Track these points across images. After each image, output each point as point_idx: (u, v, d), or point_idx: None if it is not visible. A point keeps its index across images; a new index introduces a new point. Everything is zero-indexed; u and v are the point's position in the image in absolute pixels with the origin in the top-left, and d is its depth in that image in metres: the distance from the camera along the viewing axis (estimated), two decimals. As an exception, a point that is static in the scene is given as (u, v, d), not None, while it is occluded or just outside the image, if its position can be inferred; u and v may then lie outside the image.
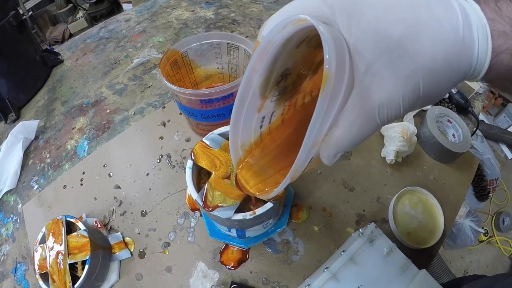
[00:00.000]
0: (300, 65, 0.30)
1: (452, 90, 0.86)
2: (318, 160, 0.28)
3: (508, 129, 1.85)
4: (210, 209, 0.42)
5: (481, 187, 1.43)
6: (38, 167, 0.79)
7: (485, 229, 1.50)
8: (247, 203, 0.47)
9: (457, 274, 1.37)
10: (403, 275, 0.49)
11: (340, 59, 0.22)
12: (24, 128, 0.85)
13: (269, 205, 0.43)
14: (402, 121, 0.77)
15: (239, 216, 0.42)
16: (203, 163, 0.46)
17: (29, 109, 0.96)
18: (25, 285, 0.63)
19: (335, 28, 0.23)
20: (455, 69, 0.22)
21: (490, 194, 1.50)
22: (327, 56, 0.20)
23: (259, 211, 0.42)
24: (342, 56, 0.22)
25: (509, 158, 1.83)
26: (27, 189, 0.76)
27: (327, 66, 0.21)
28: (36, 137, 0.86)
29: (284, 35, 0.25)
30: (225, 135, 0.50)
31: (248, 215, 0.42)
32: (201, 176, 0.50)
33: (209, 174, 0.46)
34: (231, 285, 0.55)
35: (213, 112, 0.61)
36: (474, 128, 0.85)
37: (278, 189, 0.30)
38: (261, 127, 0.35)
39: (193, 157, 0.47)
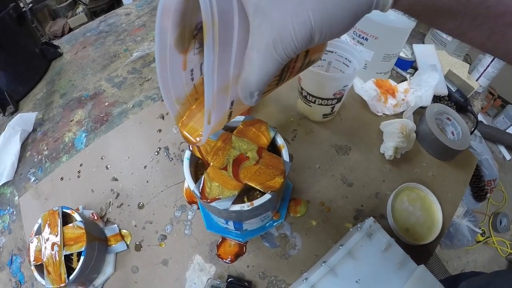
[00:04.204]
0: None
1: (452, 88, 0.86)
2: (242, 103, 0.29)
3: (507, 131, 1.85)
4: (208, 200, 0.42)
5: (479, 188, 1.43)
6: (36, 159, 0.79)
7: (482, 230, 1.50)
8: (245, 194, 0.47)
9: (454, 274, 1.36)
10: (401, 270, 0.49)
11: (223, 6, 0.22)
12: (22, 120, 0.84)
13: (267, 196, 0.42)
14: (402, 117, 0.77)
15: (237, 207, 0.42)
16: (200, 154, 0.46)
17: (27, 102, 0.95)
18: (20, 277, 0.63)
19: None
20: None
21: (488, 195, 1.50)
22: (202, 7, 0.21)
23: (257, 202, 0.42)
24: (225, 3, 0.22)
25: (507, 159, 1.83)
26: (24, 181, 0.75)
27: (204, 18, 0.21)
28: (34, 130, 0.86)
29: None
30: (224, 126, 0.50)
31: (245, 206, 0.42)
32: (198, 167, 0.50)
33: (206, 165, 0.46)
34: (227, 279, 0.55)
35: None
36: (473, 127, 0.85)
37: (204, 133, 0.31)
38: (192, 79, 0.35)
39: (191, 148, 0.46)
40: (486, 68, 0.95)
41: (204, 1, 0.21)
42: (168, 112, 0.78)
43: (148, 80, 0.89)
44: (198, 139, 0.37)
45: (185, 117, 0.38)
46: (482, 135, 1.61)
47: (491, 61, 0.94)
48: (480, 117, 1.76)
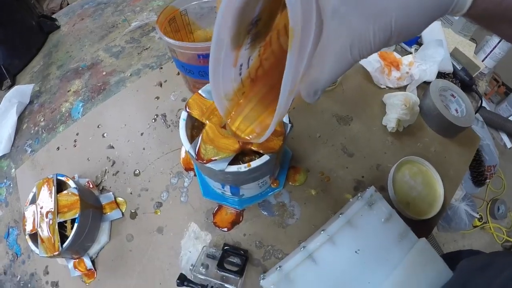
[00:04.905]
0: (269, 6, 0.30)
1: (457, 66, 0.84)
2: (300, 98, 0.29)
3: (510, 118, 1.83)
4: (204, 161, 0.40)
5: (478, 172, 1.42)
6: (32, 131, 0.78)
7: (480, 215, 1.50)
8: (243, 157, 0.45)
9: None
10: (402, 242, 0.48)
11: (305, 7, 0.21)
12: (18, 93, 0.83)
13: (265, 157, 0.41)
14: (405, 91, 0.75)
15: (233, 168, 0.41)
16: (196, 113, 0.44)
17: (24, 75, 0.94)
18: (17, 249, 0.62)
19: None
20: (432, 2, 0.22)
21: (487, 181, 1.49)
22: (291, 12, 0.21)
23: (255, 163, 0.41)
24: (307, 4, 0.22)
25: (508, 147, 1.82)
26: (21, 153, 0.75)
27: (292, 23, 0.21)
28: (31, 102, 0.85)
29: None
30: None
31: (242, 167, 0.41)
32: (194, 130, 0.49)
33: (202, 127, 0.44)
34: (223, 247, 0.54)
35: (211, 68, 0.59)
36: (478, 107, 0.83)
37: (268, 132, 0.32)
38: (240, 74, 0.36)
39: (187, 109, 0.45)
40: (493, 49, 0.93)
41: (294, 3, 0.20)
42: (167, 80, 0.77)
43: (147, 49, 0.87)
44: (250, 136, 0.38)
45: (233, 113, 0.39)
46: (484, 120, 1.59)
47: (498, 42, 0.92)
48: (483, 103, 1.74)
